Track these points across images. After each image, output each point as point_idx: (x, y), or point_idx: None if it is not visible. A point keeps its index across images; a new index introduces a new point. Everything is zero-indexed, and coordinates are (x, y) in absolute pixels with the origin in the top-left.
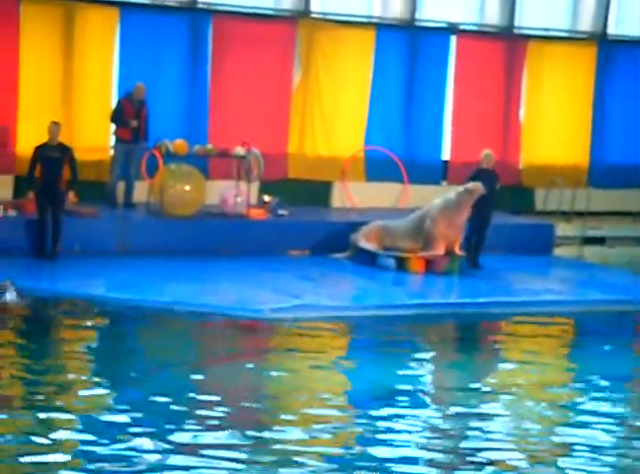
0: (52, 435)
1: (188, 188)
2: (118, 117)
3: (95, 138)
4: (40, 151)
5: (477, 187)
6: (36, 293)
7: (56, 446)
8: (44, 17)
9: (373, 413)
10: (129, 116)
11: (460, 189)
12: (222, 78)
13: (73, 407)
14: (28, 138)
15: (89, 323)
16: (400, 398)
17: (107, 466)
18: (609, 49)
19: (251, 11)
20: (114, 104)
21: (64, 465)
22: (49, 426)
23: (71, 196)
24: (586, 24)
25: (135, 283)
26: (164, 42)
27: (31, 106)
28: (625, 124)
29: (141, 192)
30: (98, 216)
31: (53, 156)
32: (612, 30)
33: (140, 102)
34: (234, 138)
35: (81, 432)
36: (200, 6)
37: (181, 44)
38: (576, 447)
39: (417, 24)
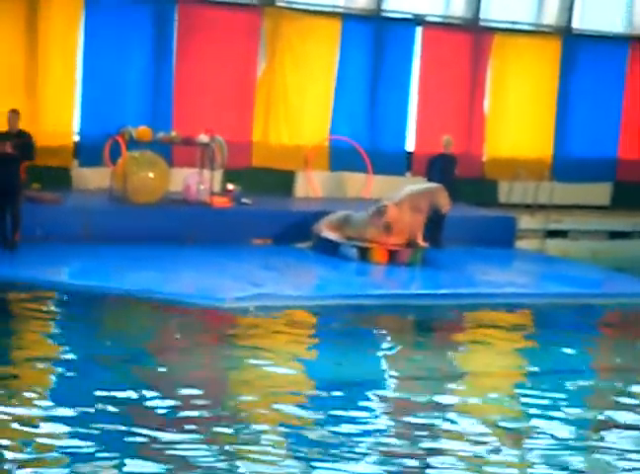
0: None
1: (151, 175)
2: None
3: (58, 124)
4: None
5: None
6: None
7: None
8: (8, 5)
9: (332, 402)
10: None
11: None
12: (187, 66)
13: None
14: None
15: (50, 310)
16: (359, 387)
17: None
18: (574, 43)
19: None
20: (78, 90)
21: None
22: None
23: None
24: (551, 18)
25: (97, 271)
26: (129, 30)
27: None
28: (589, 118)
29: (104, 178)
30: (61, 203)
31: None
32: (577, 24)
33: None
34: (198, 126)
35: (40, 422)
36: None
37: (146, 32)
38: (532, 436)
39: (383, 14)
